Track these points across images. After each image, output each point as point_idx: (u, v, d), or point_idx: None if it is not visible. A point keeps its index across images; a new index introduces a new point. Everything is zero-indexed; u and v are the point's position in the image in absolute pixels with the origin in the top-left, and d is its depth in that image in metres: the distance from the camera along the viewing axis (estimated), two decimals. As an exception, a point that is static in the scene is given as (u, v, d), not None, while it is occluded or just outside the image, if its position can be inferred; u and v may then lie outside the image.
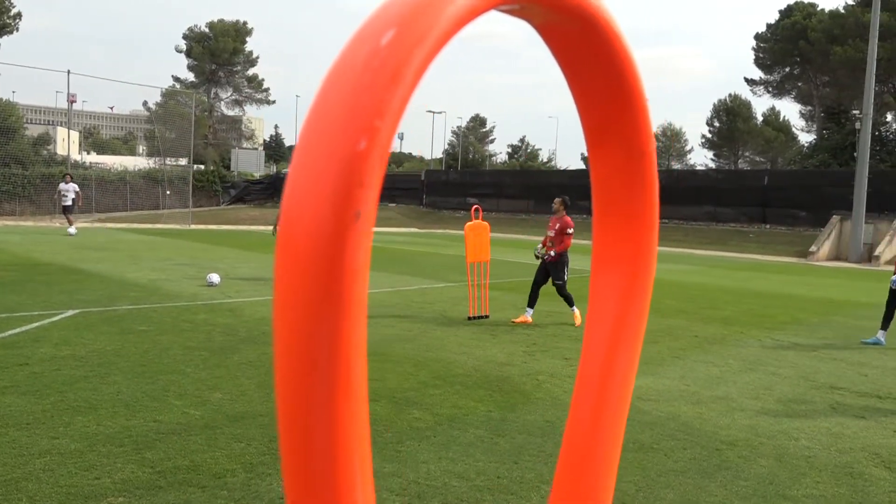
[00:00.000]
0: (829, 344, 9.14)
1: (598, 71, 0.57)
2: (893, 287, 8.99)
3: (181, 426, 4.69)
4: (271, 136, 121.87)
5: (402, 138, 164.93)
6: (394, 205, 54.88)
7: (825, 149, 52.23)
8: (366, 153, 0.38)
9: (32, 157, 40.00)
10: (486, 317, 9.77)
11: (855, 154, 34.89)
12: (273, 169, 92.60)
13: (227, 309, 9.50)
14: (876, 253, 28.46)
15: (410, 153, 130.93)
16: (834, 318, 11.75)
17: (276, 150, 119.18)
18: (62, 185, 23.24)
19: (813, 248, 29.91)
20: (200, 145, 52.07)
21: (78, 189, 23.53)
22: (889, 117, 56.53)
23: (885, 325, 9.14)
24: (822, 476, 4.39)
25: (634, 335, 0.67)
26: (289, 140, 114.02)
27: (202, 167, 50.93)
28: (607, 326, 0.67)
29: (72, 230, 22.29)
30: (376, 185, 0.39)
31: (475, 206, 10.12)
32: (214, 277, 11.80)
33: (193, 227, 31.66)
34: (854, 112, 48.78)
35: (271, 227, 12.77)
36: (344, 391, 0.39)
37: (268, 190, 68.48)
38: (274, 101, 66.70)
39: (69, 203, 22.96)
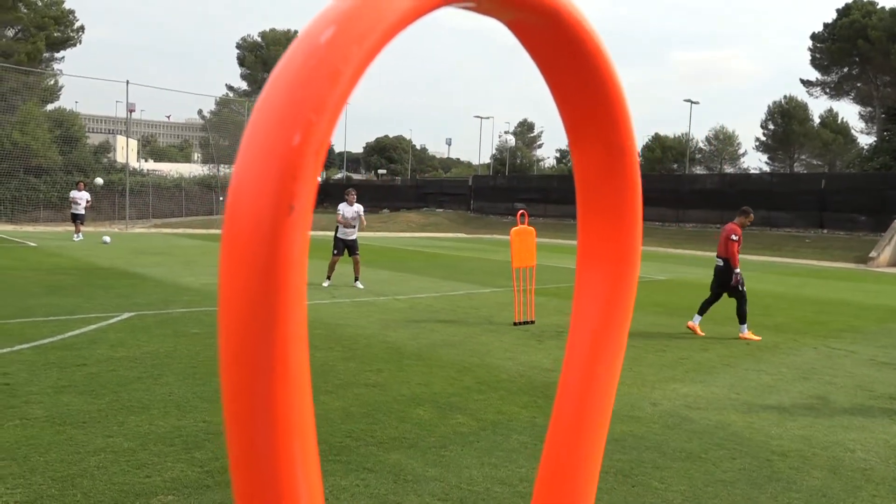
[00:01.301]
0: (888, 353, 8.82)
1: (571, 67, 0.57)
2: None
3: (229, 427, 4.78)
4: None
5: (450, 144, 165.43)
6: (441, 210, 55.06)
7: (886, 151, 50.43)
8: (300, 148, 0.39)
9: (94, 165, 41.44)
10: (532, 322, 9.72)
11: (918, 156, 33.58)
12: (323, 175, 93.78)
13: (276, 313, 9.65)
14: (941, 259, 27.35)
15: (458, 158, 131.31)
16: (893, 325, 11.33)
17: (326, 156, 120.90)
18: (74, 193, 23.06)
19: (873, 254, 28.91)
20: (252, 152, 52.99)
21: (90, 197, 23.44)
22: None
23: None
24: (880, 490, 4.24)
25: (618, 333, 0.67)
26: (338, 146, 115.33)
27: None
28: (591, 324, 0.67)
29: (78, 237, 22.14)
30: (312, 178, 0.40)
31: (521, 211, 10.09)
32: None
33: (245, 232, 32.24)
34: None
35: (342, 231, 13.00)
36: (282, 381, 0.41)
37: (318, 195, 68.77)
38: (323, 108, 67.68)
39: (81, 211, 22.76)
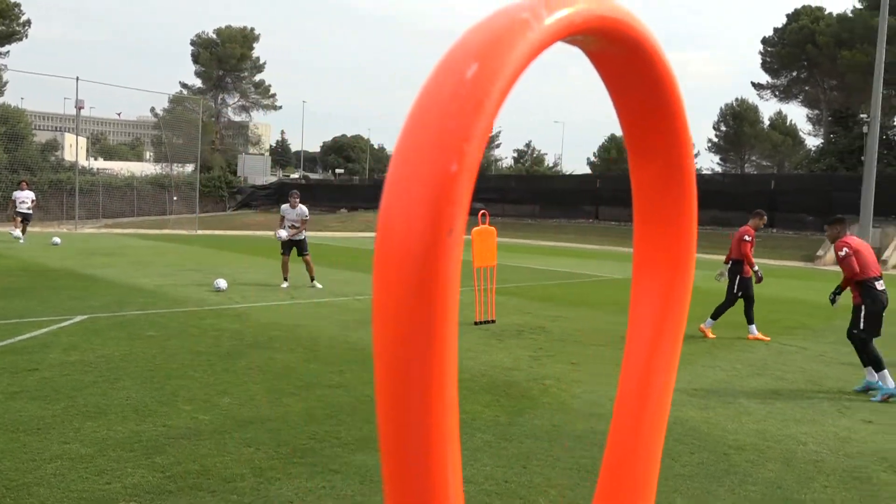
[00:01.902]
0: (836, 349, 9.11)
1: (643, 91, 0.60)
2: None
3: (190, 431, 4.71)
4: (277, 141, 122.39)
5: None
6: (400, 210, 54.96)
7: (832, 153, 52.06)
8: (457, 175, 0.43)
9: (41, 163, 40.27)
10: (493, 321, 9.78)
11: (862, 158, 34.77)
12: (280, 174, 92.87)
13: (234, 314, 9.54)
14: (883, 257, 28.33)
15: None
16: (841, 322, 11.68)
17: (282, 155, 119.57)
18: (17, 193, 21.96)
19: (820, 253, 29.84)
20: (207, 151, 52.26)
21: (34, 197, 22.41)
22: (896, 121, 56.37)
23: None
24: (830, 480, 4.38)
25: (675, 336, 0.70)
26: (295, 145, 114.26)
27: (209, 173, 51.10)
28: (648, 329, 0.70)
29: (16, 233, 21.06)
30: (466, 203, 0.43)
31: (482, 211, 10.14)
32: (221, 283, 11.85)
33: (200, 232, 31.77)
34: (862, 116, 48.63)
35: (277, 233, 12.78)
36: (437, 395, 0.44)
37: (274, 195, 68.48)
38: (280, 107, 67.05)
39: (27, 211, 21.71)
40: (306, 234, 13.02)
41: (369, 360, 7.06)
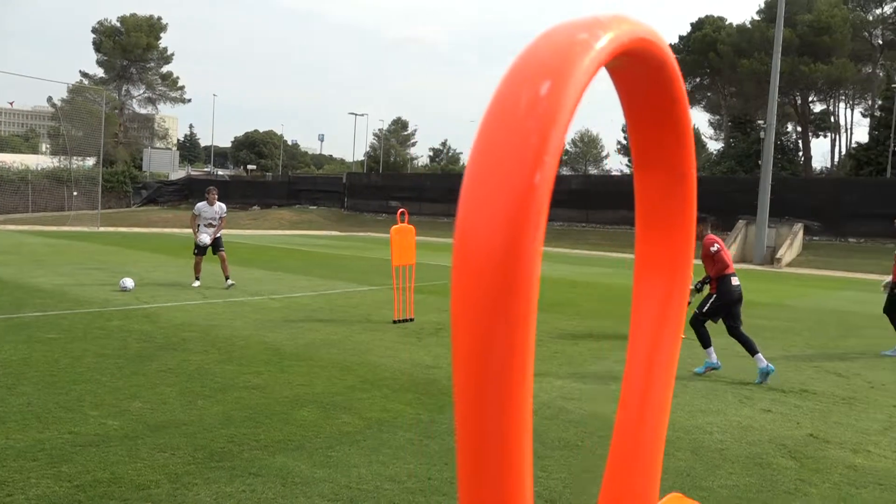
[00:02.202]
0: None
1: (656, 104, 0.64)
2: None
3: (99, 437, 4.51)
4: (186, 135, 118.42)
5: (322, 140, 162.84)
6: (315, 207, 54.22)
7: (732, 156, 54.82)
8: (540, 185, 0.45)
9: (-77, 155, 37.52)
10: (411, 320, 9.80)
11: (760, 161, 36.74)
12: (188, 170, 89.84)
13: (143, 315, 9.18)
14: (778, 255, 30.06)
15: (331, 155, 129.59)
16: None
17: (190, 150, 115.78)
18: None
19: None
20: (110, 144, 50.03)
21: None
22: (789, 127, 59.88)
23: None
24: (735, 467, 4.62)
25: (674, 336, 0.73)
26: (205, 140, 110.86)
27: (112, 167, 48.90)
28: (649, 329, 0.72)
29: None
30: (546, 212, 0.45)
31: (401, 210, 10.13)
32: (128, 282, 11.37)
33: (102, 229, 30.35)
34: (759, 122, 51.43)
35: (199, 239, 12.29)
36: (516, 398, 0.46)
37: (182, 191, 66.22)
38: (189, 100, 64.84)
39: None
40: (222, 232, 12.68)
41: (286, 361, 6.95)
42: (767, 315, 12.72)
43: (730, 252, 27.06)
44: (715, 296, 7.57)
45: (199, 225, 12.39)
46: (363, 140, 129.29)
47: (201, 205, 12.63)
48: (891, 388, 7.21)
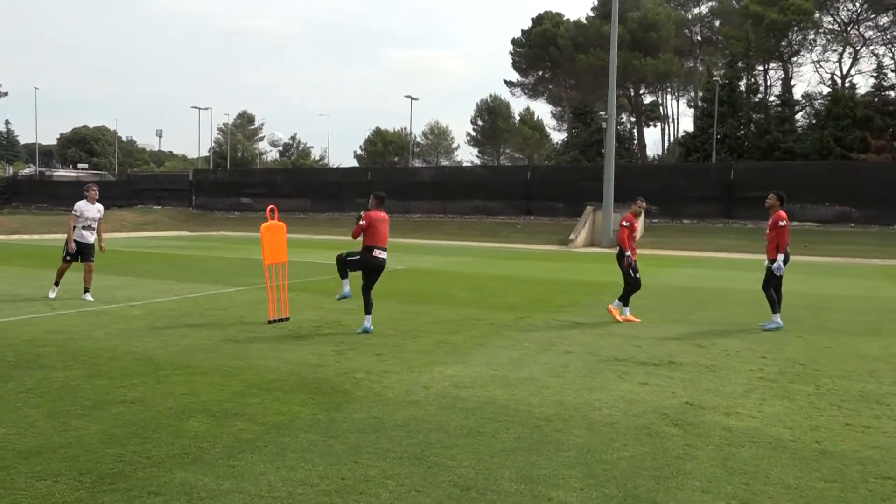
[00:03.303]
0: (604, 322, 10.15)
1: None
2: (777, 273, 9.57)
3: (-37, 471, 4.02)
4: (2, 132, 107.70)
5: (160, 136, 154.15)
6: (160, 207, 51.30)
7: (575, 146, 57.74)
8: None
9: None
10: (287, 319, 9.52)
11: (602, 150, 38.95)
12: (8, 170, 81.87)
13: (-14, 331, 8.28)
14: (623, 238, 32.09)
15: (172, 151, 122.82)
16: (603, 298, 13.06)
17: (8, 148, 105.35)
18: None
19: (572, 237, 32.96)
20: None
21: None
22: (624, 117, 63.94)
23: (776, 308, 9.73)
24: (627, 439, 4.88)
25: None
26: (26, 137, 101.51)
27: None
28: None
29: None
30: None
31: (271, 206, 9.80)
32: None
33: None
34: (601, 112, 54.46)
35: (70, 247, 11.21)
36: None
37: (4, 194, 60.41)
38: (6, 94, 59.18)
39: None
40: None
41: (162, 371, 6.54)
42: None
43: (581, 236, 28.41)
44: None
45: (75, 227, 11.30)
46: (208, 135, 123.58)
47: (81, 203, 11.52)
48: (744, 355, 7.91)
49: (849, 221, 33.64)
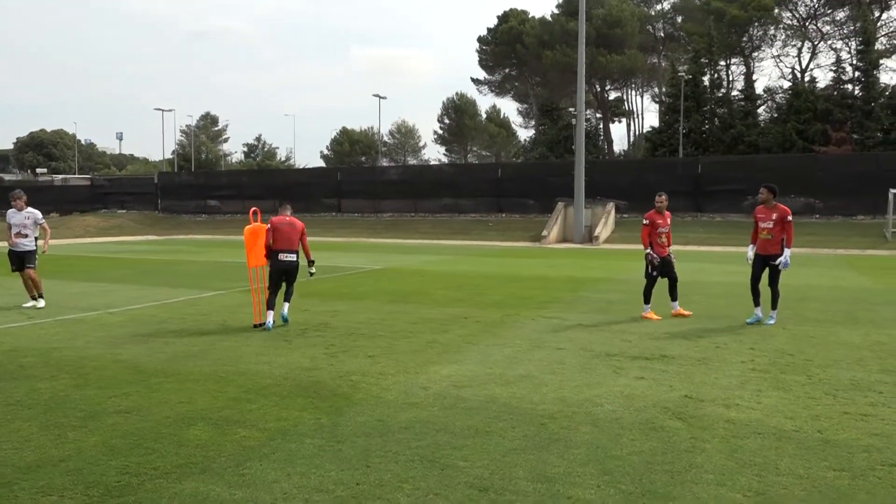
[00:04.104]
0: (590, 317, 10.21)
1: None
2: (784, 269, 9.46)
3: (-39, 489, 3.87)
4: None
5: (121, 138, 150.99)
6: (124, 211, 50.36)
7: (543, 143, 58.03)
8: None
9: None
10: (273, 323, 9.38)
11: (573, 147, 39.19)
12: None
13: (-39, 343, 8.01)
14: (595, 234, 32.32)
15: (133, 154, 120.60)
16: (583, 293, 13.14)
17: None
18: None
19: (545, 233, 33.11)
20: None
21: None
22: (590, 114, 64.47)
23: (757, 301, 9.75)
24: (634, 434, 4.90)
25: None
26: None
27: None
28: None
29: None
30: None
31: (254, 209, 9.65)
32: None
33: None
34: (570, 109, 54.79)
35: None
36: None
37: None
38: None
39: None
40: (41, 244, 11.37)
41: (153, 379, 6.40)
42: (609, 289, 13.65)
43: (553, 232, 28.67)
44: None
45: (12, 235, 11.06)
46: (171, 137, 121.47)
47: (10, 212, 11.30)
48: (732, 347, 8.01)
49: (813, 213, 34.34)
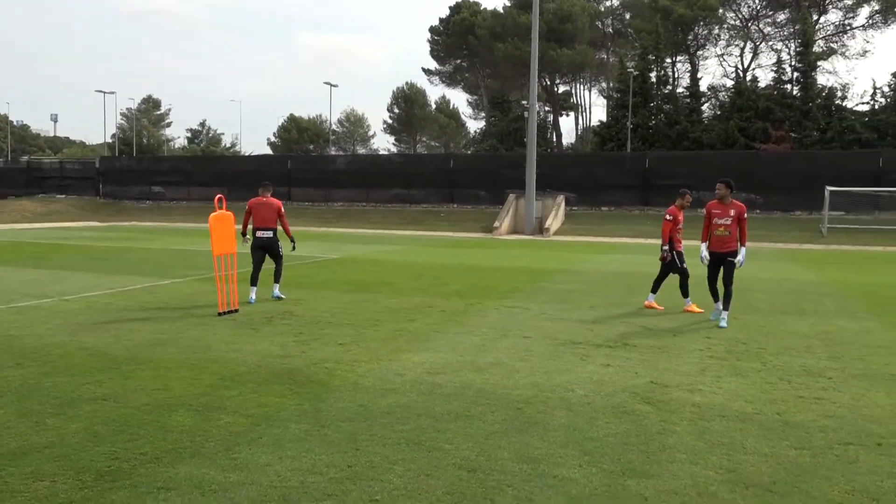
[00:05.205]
0: (551, 307, 10.45)
1: None
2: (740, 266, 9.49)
3: (-53, 475, 3.82)
4: None
5: (56, 120, 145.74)
6: (63, 196, 48.72)
7: (493, 135, 58.37)
8: None
9: None
10: (237, 311, 9.36)
11: (524, 139, 39.58)
12: None
13: (-87, 330, 7.76)
14: (546, 225, 32.80)
15: (69, 137, 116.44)
16: (541, 284, 13.41)
17: None
18: None
19: (496, 224, 33.43)
20: None
21: None
22: (539, 107, 65.11)
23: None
24: (608, 417, 5.12)
25: None
26: None
27: None
28: None
29: None
30: None
31: (219, 196, 9.57)
32: None
33: None
34: (524, 102, 55.21)
35: None
36: None
37: None
38: None
39: None
40: None
41: (125, 366, 6.36)
42: (564, 279, 13.96)
43: (505, 223, 28.98)
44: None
45: None
46: (112, 121, 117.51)
47: None
48: (690, 336, 8.35)
49: (754, 208, 35.54)
